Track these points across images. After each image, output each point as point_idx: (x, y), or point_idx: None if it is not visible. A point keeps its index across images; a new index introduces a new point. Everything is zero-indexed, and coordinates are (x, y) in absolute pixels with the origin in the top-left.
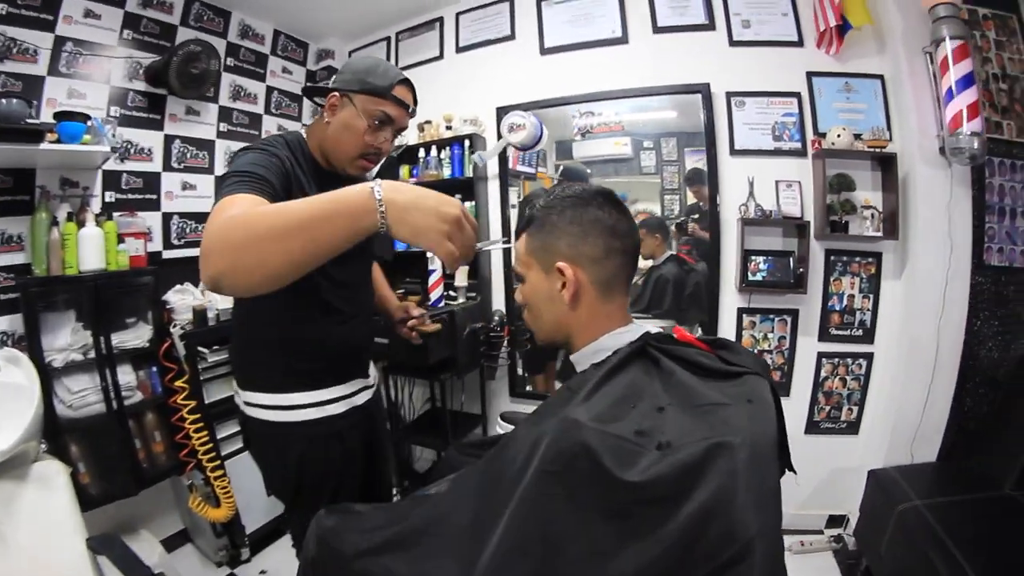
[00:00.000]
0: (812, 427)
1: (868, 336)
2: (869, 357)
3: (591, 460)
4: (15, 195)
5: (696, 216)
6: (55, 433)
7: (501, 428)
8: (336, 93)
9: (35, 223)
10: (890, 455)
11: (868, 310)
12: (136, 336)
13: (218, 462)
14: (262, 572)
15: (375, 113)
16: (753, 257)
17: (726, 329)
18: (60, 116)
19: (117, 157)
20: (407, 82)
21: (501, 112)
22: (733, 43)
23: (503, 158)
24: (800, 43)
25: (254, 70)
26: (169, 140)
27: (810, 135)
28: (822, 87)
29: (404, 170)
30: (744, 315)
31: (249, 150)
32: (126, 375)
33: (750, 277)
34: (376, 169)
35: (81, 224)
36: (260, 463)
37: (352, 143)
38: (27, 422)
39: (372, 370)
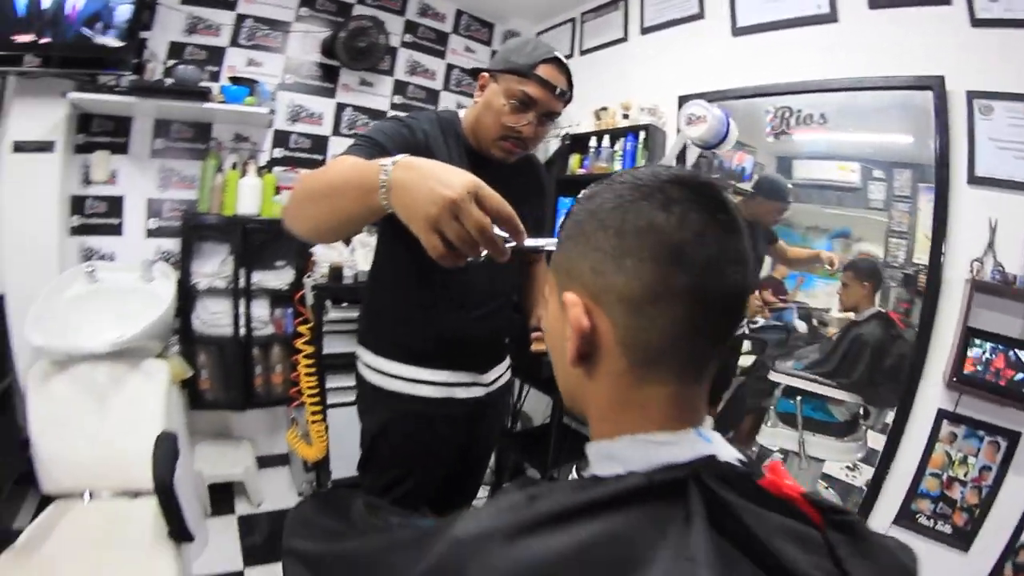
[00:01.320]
0: None
1: None
2: None
3: None
4: (194, 143)
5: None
6: (190, 342)
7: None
8: (485, 73)
9: (205, 168)
10: None
11: None
12: (278, 278)
13: (320, 408)
14: None
15: (515, 93)
16: (977, 341)
17: (914, 432)
18: (234, 80)
19: (288, 118)
20: (556, 61)
21: (683, 101)
22: (976, 22)
23: (682, 155)
24: None
25: (433, 47)
26: (341, 108)
27: None
28: None
29: (574, 160)
30: (944, 421)
31: (395, 119)
32: (261, 309)
33: (966, 370)
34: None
35: (243, 173)
36: (360, 418)
37: (492, 123)
38: (147, 324)
39: (497, 370)
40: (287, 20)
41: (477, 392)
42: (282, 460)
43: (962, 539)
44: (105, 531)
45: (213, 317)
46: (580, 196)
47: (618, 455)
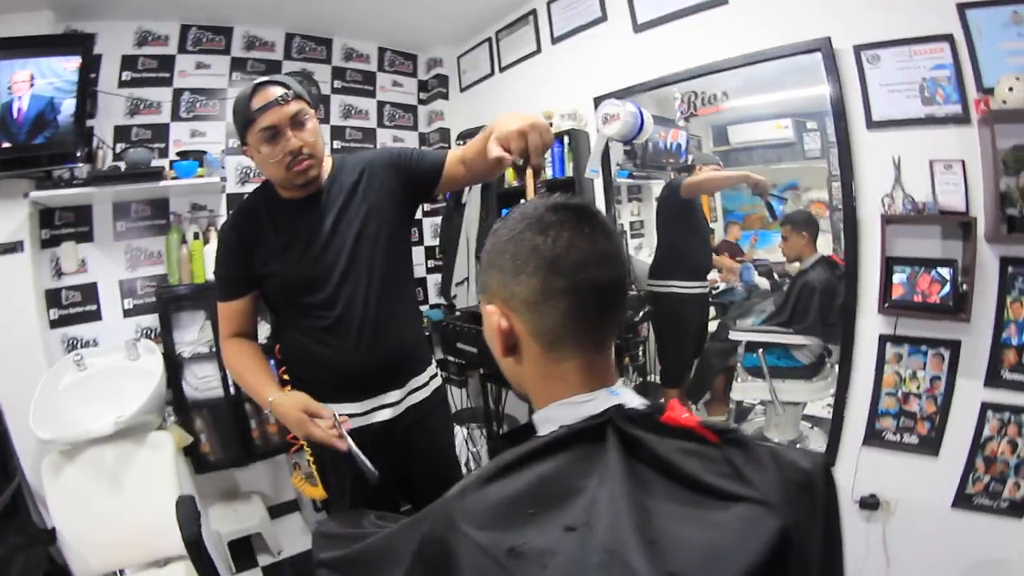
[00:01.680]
0: (963, 500)
1: None
2: None
3: (449, 569)
4: (154, 220)
5: None
6: (184, 409)
7: None
8: (244, 147)
9: (168, 241)
10: None
11: None
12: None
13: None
14: None
15: (261, 136)
16: (898, 267)
17: (862, 360)
18: (181, 155)
19: (238, 181)
20: (259, 87)
21: (599, 102)
22: None
23: (606, 155)
24: None
25: (363, 88)
26: None
27: (972, 93)
28: (980, 23)
29: (509, 173)
30: (888, 344)
31: (218, 236)
32: None
33: (894, 295)
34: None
35: (206, 241)
36: None
37: (273, 167)
38: (145, 399)
39: (407, 388)
40: (221, 87)
41: (386, 414)
42: (292, 506)
43: (930, 446)
44: None
45: (202, 382)
46: (491, 231)
47: (552, 417)
